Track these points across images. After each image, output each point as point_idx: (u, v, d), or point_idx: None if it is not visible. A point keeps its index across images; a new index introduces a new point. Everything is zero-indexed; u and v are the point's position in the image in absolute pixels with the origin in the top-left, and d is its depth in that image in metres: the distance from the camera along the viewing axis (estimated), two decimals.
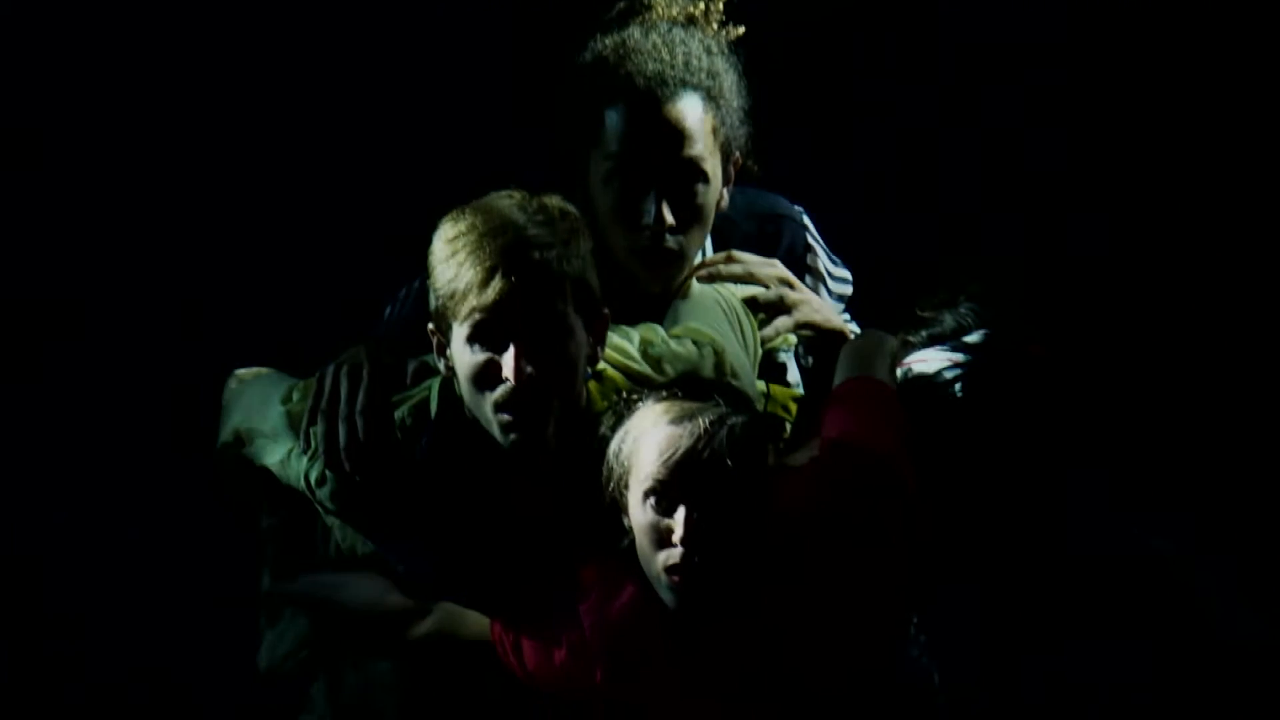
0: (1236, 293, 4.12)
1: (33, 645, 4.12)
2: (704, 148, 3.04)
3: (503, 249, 2.70)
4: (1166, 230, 4.13)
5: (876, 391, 2.87)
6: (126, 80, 4.01)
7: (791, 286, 3.19)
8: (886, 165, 4.13)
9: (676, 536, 2.62)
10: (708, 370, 2.91)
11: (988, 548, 2.78)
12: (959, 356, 2.79)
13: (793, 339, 3.17)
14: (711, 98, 3.06)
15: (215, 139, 4.04)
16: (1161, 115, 4.13)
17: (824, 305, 3.23)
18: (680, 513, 2.63)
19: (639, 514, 2.67)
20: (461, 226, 2.75)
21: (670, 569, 2.64)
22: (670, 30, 3.10)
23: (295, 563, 3.03)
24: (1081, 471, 2.79)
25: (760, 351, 3.11)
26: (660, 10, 3.14)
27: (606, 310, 2.82)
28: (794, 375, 3.20)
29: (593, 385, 2.85)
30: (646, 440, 2.67)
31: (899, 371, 2.90)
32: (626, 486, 2.69)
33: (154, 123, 4.04)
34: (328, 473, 2.83)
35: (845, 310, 3.37)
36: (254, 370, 3.09)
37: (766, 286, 3.16)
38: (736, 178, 3.18)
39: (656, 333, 2.97)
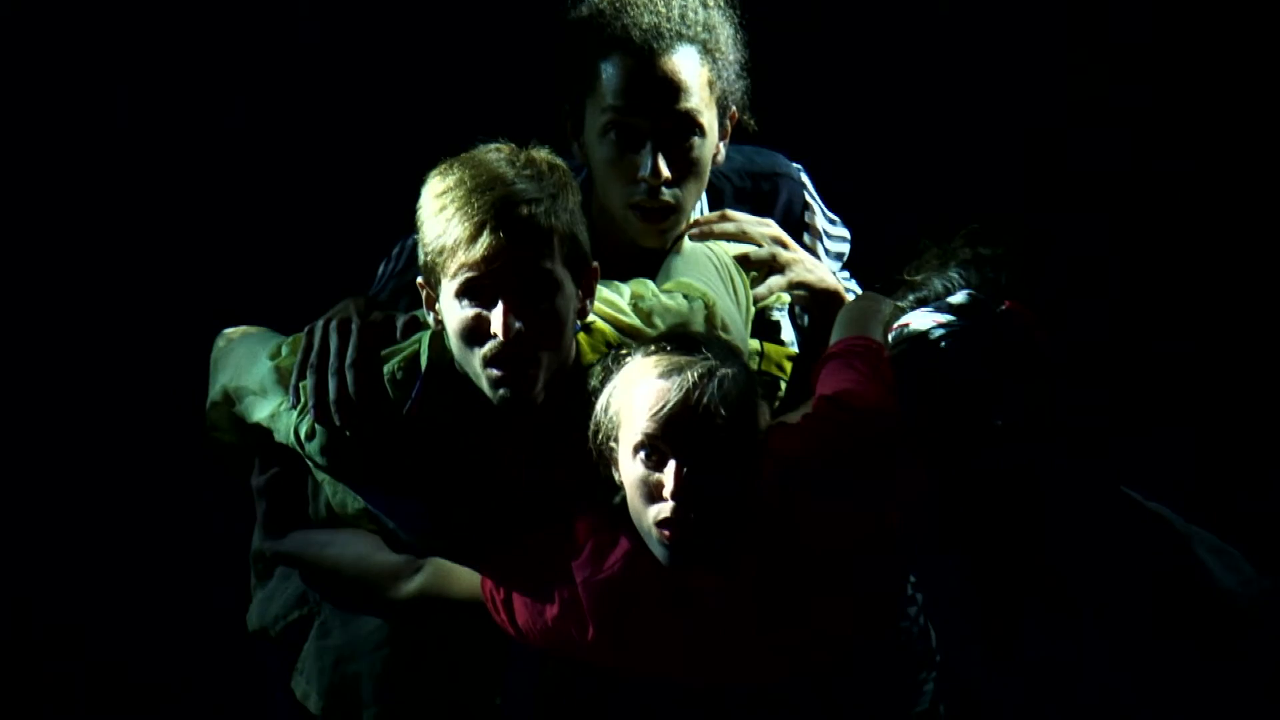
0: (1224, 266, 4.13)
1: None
2: (700, 101, 3.02)
3: (491, 204, 2.69)
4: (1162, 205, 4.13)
5: (870, 349, 2.85)
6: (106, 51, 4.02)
7: (785, 246, 3.17)
8: (888, 123, 4.11)
9: (667, 491, 2.60)
10: (698, 324, 2.90)
11: (977, 508, 2.76)
12: (944, 317, 2.76)
13: (786, 297, 3.15)
14: (708, 51, 3.04)
15: (203, 110, 4.05)
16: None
17: (818, 265, 3.21)
18: (670, 467, 2.60)
19: (629, 468, 2.64)
20: (450, 181, 2.73)
21: (661, 523, 2.61)
22: None
23: (285, 520, 3.01)
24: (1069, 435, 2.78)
25: (753, 309, 3.10)
26: None
27: (595, 264, 2.81)
28: (789, 334, 3.18)
29: (582, 338, 2.84)
30: (635, 394, 2.64)
31: (890, 336, 2.88)
32: (616, 441, 2.67)
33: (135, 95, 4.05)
34: (317, 427, 2.81)
35: (844, 269, 3.34)
36: (241, 328, 3.07)
37: (760, 245, 3.14)
38: (735, 134, 3.16)
39: (647, 287, 2.96)
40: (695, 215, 3.18)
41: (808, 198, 3.29)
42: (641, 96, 3.00)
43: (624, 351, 2.72)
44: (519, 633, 2.78)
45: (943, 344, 2.74)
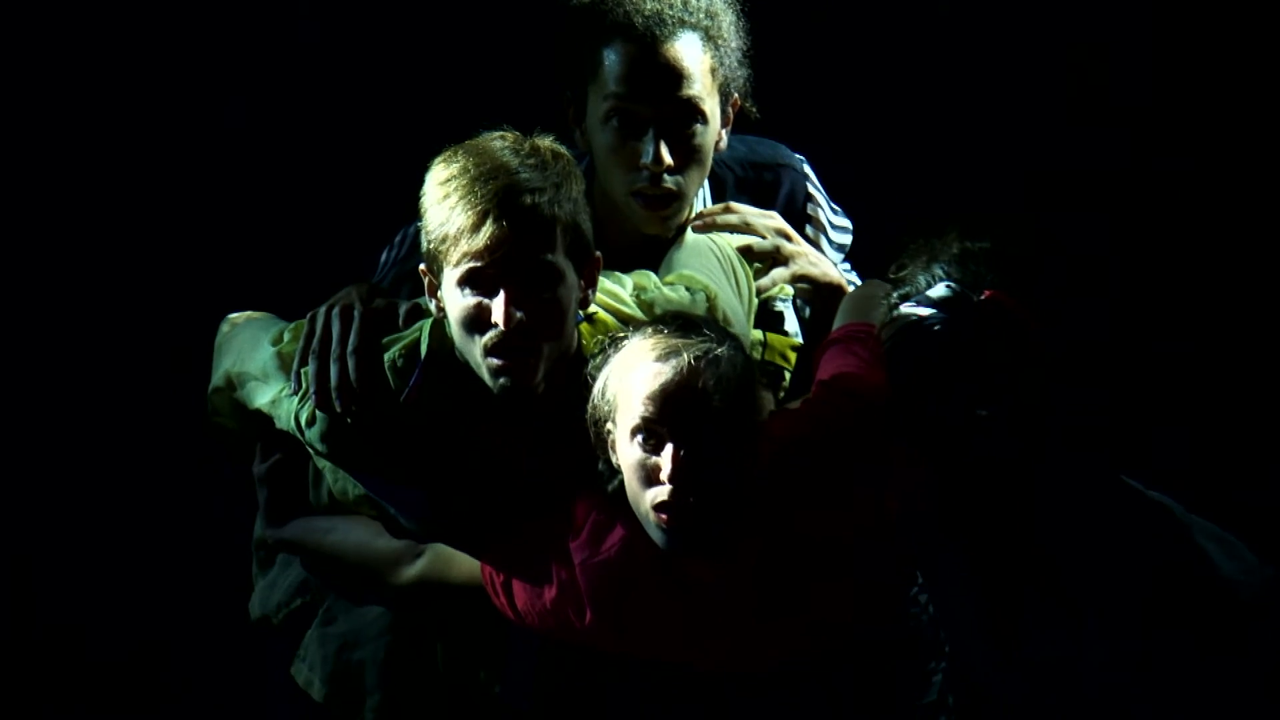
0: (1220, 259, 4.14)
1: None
2: (702, 88, 3.03)
3: (494, 193, 2.68)
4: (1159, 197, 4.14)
5: (871, 335, 2.84)
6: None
7: (788, 238, 3.17)
8: (891, 114, 4.12)
9: (664, 474, 2.59)
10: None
11: (973, 498, 2.75)
12: (924, 310, 2.74)
13: (789, 289, 3.15)
14: (710, 38, 3.04)
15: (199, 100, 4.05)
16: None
17: (821, 258, 3.21)
18: (668, 450, 2.59)
19: (626, 452, 2.64)
20: (454, 169, 2.73)
21: (659, 507, 2.60)
22: None
23: (286, 508, 3.01)
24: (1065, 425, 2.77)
25: (755, 301, 3.10)
26: None
27: (598, 254, 2.81)
28: (793, 326, 3.18)
29: (584, 328, 2.84)
30: (633, 377, 2.63)
31: (880, 332, 2.87)
32: (614, 425, 2.66)
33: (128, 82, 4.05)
34: (318, 413, 2.81)
35: (846, 260, 3.34)
36: (245, 314, 3.07)
37: (763, 237, 3.14)
38: (737, 123, 3.16)
39: (650, 278, 2.96)
40: (698, 206, 3.18)
41: (810, 189, 3.29)
42: (644, 83, 3.00)
43: (621, 336, 2.71)
44: (518, 616, 2.78)
45: (923, 336, 2.71)
